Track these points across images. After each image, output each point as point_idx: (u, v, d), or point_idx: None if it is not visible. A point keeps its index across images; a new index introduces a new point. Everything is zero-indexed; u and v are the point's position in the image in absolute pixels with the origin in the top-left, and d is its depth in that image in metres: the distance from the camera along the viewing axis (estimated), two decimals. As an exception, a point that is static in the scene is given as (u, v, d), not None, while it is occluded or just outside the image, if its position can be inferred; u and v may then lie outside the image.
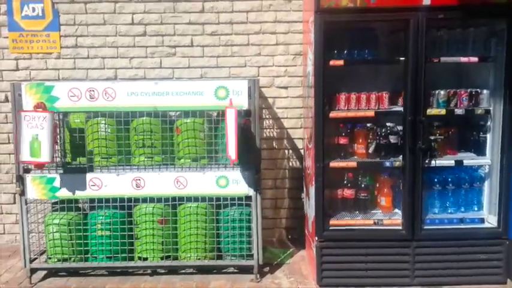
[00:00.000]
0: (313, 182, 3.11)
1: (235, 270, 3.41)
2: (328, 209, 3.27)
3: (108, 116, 3.20)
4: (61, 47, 3.88)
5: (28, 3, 3.80)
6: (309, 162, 3.34)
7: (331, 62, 3.00)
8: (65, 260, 3.33)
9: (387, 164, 3.13)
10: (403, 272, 3.10)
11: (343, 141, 3.22)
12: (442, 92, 3.08)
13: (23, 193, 3.20)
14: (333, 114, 3.09)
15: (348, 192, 3.30)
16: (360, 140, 3.25)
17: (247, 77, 3.84)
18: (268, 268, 3.49)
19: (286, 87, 3.96)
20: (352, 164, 3.15)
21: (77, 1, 3.83)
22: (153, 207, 3.26)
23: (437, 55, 2.99)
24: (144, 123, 3.21)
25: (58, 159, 3.35)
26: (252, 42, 3.89)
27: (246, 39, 3.88)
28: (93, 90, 3.12)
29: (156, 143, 3.24)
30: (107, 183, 3.20)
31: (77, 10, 3.83)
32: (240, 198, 3.24)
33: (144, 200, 3.26)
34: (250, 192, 3.19)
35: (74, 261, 3.33)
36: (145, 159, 3.25)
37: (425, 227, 3.11)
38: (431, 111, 3.04)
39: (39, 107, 3.01)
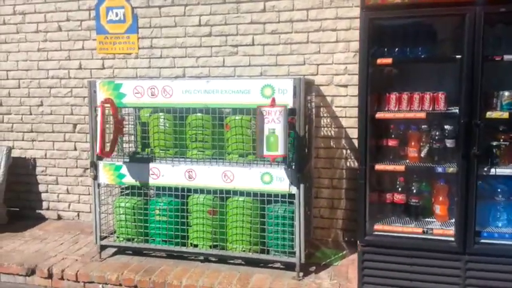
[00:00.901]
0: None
1: (282, 266, 3.46)
2: (376, 213, 3.16)
3: (166, 111, 3.48)
4: (138, 48, 4.29)
5: (112, 8, 4.28)
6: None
7: (379, 61, 2.88)
8: (129, 240, 3.71)
9: (439, 169, 2.91)
10: (452, 287, 2.87)
11: (392, 143, 3.07)
12: (506, 93, 2.76)
13: (96, 178, 3.65)
14: (379, 115, 2.97)
15: (398, 197, 3.15)
16: (412, 143, 3.06)
17: (299, 75, 3.84)
18: (314, 268, 3.48)
19: (345, 86, 3.87)
20: (399, 167, 2.99)
21: (152, 5, 4.20)
22: (204, 198, 3.47)
23: (501, 52, 2.68)
24: (197, 119, 3.42)
25: (126, 149, 3.77)
26: (312, 39, 3.87)
27: (306, 37, 3.88)
28: (153, 88, 3.41)
29: (207, 138, 3.44)
30: (164, 173, 3.49)
31: (152, 14, 4.20)
32: (284, 196, 3.28)
33: (196, 191, 3.48)
34: (293, 190, 3.21)
35: (136, 241, 3.70)
36: (198, 152, 3.46)
37: (481, 241, 2.83)
38: (491, 114, 2.74)
39: (107, 102, 3.39)
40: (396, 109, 3.01)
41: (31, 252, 3.86)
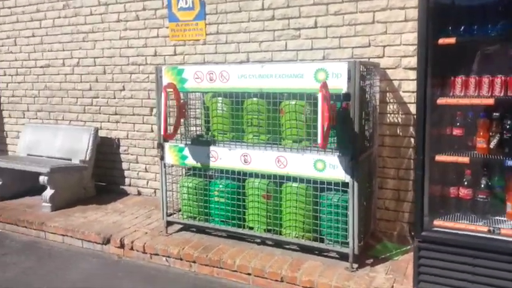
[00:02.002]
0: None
1: (336, 256, 3.38)
2: (438, 208, 2.93)
3: (224, 96, 3.55)
4: (206, 34, 4.42)
5: (182, -4, 4.45)
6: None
7: (441, 41, 2.61)
8: (192, 218, 3.91)
9: (509, 163, 2.57)
10: (520, 295, 2.56)
11: (456, 132, 2.79)
12: None
13: (162, 158, 3.88)
14: (441, 100, 2.70)
15: (464, 192, 2.86)
16: (481, 133, 2.74)
17: (364, 58, 3.65)
18: (371, 260, 3.35)
19: (414, 68, 3.53)
20: (463, 159, 2.71)
21: (218, -9, 4.28)
22: (259, 183, 3.51)
23: None
24: (252, 103, 3.45)
25: (192, 132, 3.94)
26: (378, 19, 3.63)
27: (371, 16, 3.65)
28: (212, 73, 3.50)
29: (263, 122, 3.44)
30: (221, 156, 3.59)
31: (218, 0, 4.28)
32: (338, 184, 3.18)
33: (252, 175, 3.53)
34: (347, 178, 3.10)
35: (198, 220, 3.88)
36: (253, 137, 3.49)
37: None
38: None
39: (170, 87, 3.56)
40: (462, 94, 2.71)
41: (109, 223, 4.27)
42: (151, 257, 3.75)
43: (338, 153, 3.12)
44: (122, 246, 3.87)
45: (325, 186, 3.22)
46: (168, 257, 3.66)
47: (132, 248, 3.83)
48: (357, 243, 3.16)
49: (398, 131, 3.71)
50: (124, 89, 5.04)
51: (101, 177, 5.33)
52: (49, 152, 5.31)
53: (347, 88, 3.00)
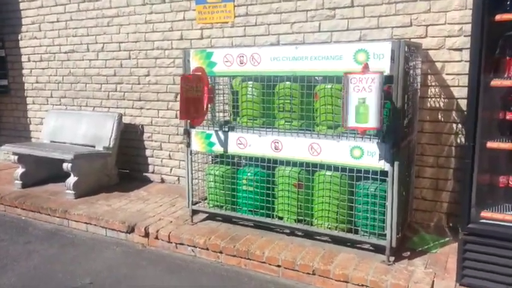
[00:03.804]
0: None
1: (371, 248, 3.20)
2: (486, 198, 2.71)
3: (254, 80, 3.38)
4: (235, 16, 4.24)
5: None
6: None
7: (498, 17, 2.37)
8: (219, 206, 3.77)
9: None
10: None
11: (510, 116, 2.55)
12: None
13: (189, 145, 3.74)
14: (495, 82, 2.47)
15: (517, 182, 2.64)
16: (539, 117, 2.51)
17: (404, 39, 3.40)
18: (408, 253, 3.15)
19: (460, 49, 3.34)
20: (519, 146, 2.48)
21: (248, -29, 4.08)
22: (290, 171, 3.34)
23: None
24: (285, 87, 3.26)
25: (220, 118, 3.79)
26: (421, -4, 3.40)
27: (413, -7, 3.41)
28: (242, 56, 3.33)
29: (295, 108, 3.26)
30: (250, 143, 3.43)
31: (248, -21, 4.10)
32: (375, 172, 2.98)
33: (282, 163, 3.36)
34: (386, 167, 2.90)
35: (225, 209, 3.74)
36: (285, 123, 3.32)
37: None
38: None
39: (198, 71, 3.41)
40: (519, 76, 2.48)
41: (133, 211, 4.18)
42: (177, 246, 3.63)
43: (377, 140, 2.91)
44: (147, 235, 3.77)
45: (362, 175, 3.02)
46: (194, 246, 3.53)
47: (157, 237, 3.72)
48: (395, 235, 2.97)
49: (439, 117, 3.48)
50: (149, 75, 4.91)
51: (124, 164, 5.24)
52: (73, 138, 5.25)
53: (390, 70, 2.79)
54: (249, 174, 3.56)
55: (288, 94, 3.26)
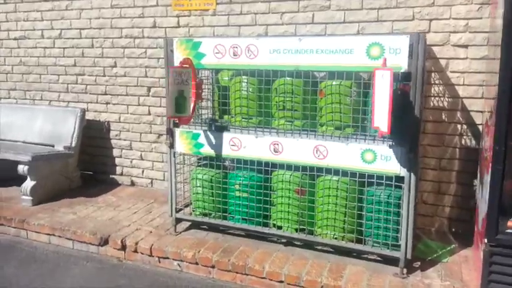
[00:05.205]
0: (489, 169, 2.40)
1: (378, 259, 2.97)
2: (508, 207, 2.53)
3: (250, 74, 3.02)
4: (217, 3, 3.83)
5: (189, -42, 3.83)
6: (488, 143, 2.60)
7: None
8: (206, 214, 3.39)
9: None
10: None
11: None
12: None
13: (172, 146, 3.32)
14: (528, 81, 2.28)
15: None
16: None
17: (405, 33, 3.17)
18: (418, 263, 2.95)
19: (465, 46, 3.16)
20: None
21: (233, -48, 3.69)
22: (291, 175, 3.02)
23: None
24: (285, 83, 2.93)
25: (205, 116, 3.39)
26: (425, -12, 3.18)
27: (418, -15, 3.19)
28: (236, 47, 2.95)
29: (297, 106, 2.94)
30: (245, 144, 3.08)
31: (233, -38, 3.70)
32: (389, 178, 2.74)
33: (282, 167, 3.04)
34: (403, 172, 2.66)
35: (213, 217, 3.37)
36: (285, 122, 2.99)
37: None
38: None
39: (186, 63, 2.99)
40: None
41: (104, 220, 3.69)
42: (160, 260, 3.23)
43: (392, 143, 2.66)
44: (123, 248, 3.33)
45: (375, 180, 2.77)
46: (181, 260, 3.14)
47: (135, 250, 3.29)
48: (410, 246, 2.74)
49: (443, 117, 3.30)
50: (116, 66, 4.39)
51: (88, 165, 4.70)
52: (26, 136, 4.63)
53: (407, 66, 2.53)
54: (242, 179, 3.20)
55: (289, 91, 2.93)
